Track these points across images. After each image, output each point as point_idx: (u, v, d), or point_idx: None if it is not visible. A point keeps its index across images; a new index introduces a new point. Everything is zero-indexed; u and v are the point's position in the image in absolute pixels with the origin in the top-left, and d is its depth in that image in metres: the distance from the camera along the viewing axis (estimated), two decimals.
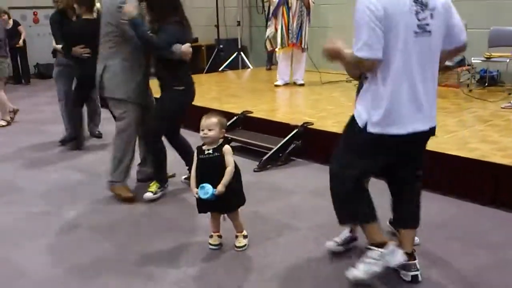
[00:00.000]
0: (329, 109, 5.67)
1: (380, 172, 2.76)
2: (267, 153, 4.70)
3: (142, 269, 2.87)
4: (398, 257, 2.54)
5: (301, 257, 2.96)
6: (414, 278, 2.63)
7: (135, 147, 4.00)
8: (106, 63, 3.78)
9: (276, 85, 7.33)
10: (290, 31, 7.09)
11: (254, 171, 4.56)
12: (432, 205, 3.58)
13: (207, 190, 2.79)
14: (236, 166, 2.95)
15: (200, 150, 2.97)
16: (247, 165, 4.70)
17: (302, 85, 7.25)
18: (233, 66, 9.60)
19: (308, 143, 4.80)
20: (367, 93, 2.47)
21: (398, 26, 2.29)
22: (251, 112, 5.50)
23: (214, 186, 2.81)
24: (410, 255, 2.64)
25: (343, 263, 2.86)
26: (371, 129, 2.44)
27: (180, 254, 3.04)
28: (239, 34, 9.80)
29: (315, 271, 2.81)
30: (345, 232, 3.03)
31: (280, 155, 4.72)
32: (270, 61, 9.12)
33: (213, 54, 9.78)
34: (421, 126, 2.44)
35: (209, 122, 2.91)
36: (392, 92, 2.37)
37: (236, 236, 3.10)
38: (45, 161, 5.04)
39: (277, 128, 5.07)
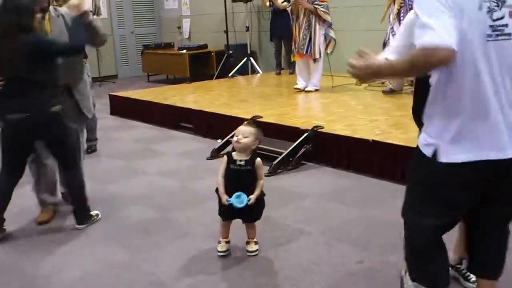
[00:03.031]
0: (339, 112, 5.64)
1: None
2: (278, 157, 4.69)
3: (153, 276, 2.87)
4: None
5: (312, 261, 2.94)
6: None
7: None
8: None
9: (295, 88, 7.23)
10: (296, 43, 7.06)
11: (265, 175, 4.52)
12: None
13: (243, 200, 2.82)
14: None
15: (231, 158, 2.93)
16: None
17: (311, 91, 7.15)
18: (243, 71, 9.60)
19: (319, 147, 4.77)
20: (433, 112, 1.94)
21: (465, 26, 1.77)
22: (261, 117, 5.49)
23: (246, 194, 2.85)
24: None
25: (356, 267, 2.83)
26: (442, 158, 1.90)
27: (191, 260, 3.04)
28: (248, 39, 9.81)
29: (327, 275, 2.78)
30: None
31: (291, 159, 4.71)
32: (280, 66, 9.11)
33: (223, 60, 9.80)
34: (498, 152, 1.87)
35: (246, 129, 2.93)
36: (461, 109, 1.85)
37: (248, 242, 3.08)
38: None
39: (287, 132, 5.05)
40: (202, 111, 6.24)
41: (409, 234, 2.14)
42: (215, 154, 5.21)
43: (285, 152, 4.68)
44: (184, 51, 10.31)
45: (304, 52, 6.96)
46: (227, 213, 2.96)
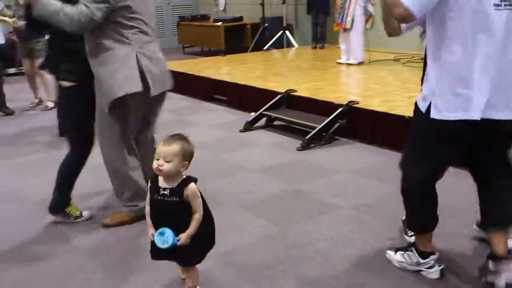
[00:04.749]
0: (375, 88, 5.53)
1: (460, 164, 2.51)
2: (311, 132, 4.65)
3: None
4: (432, 274, 2.47)
5: (343, 236, 2.93)
6: (509, 286, 2.30)
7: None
8: None
9: (338, 62, 7.26)
10: (336, 11, 7.05)
11: (298, 149, 4.52)
12: None
13: (167, 239, 2.14)
14: (205, 209, 2.27)
15: (154, 184, 2.22)
16: (291, 144, 4.68)
17: (353, 64, 7.09)
18: (278, 44, 9.51)
19: (353, 122, 4.71)
20: (431, 71, 2.20)
21: None
22: (295, 91, 5.44)
23: (175, 233, 2.16)
24: (503, 259, 2.34)
25: (388, 244, 2.80)
26: (434, 115, 2.17)
27: (222, 230, 3.04)
28: (285, 12, 9.69)
29: (359, 250, 2.77)
30: None
31: (324, 134, 4.66)
32: (316, 40, 8.98)
33: (258, 33, 9.72)
34: (494, 113, 2.12)
35: (168, 150, 2.13)
36: (459, 71, 2.10)
37: None
38: None
39: (322, 107, 5.00)
40: (236, 84, 6.23)
41: (403, 184, 2.43)
42: (248, 126, 5.21)
43: (319, 127, 4.64)
44: (220, 23, 10.27)
45: (339, 21, 6.95)
46: (155, 252, 2.26)
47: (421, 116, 2.24)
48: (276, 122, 5.30)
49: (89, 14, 2.72)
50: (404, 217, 2.75)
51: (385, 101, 4.83)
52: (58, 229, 3.15)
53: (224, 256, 2.76)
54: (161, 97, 3.17)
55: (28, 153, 4.72)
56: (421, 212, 2.45)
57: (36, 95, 6.74)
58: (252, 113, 5.45)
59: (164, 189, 2.17)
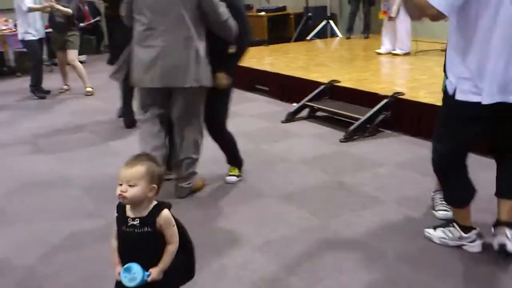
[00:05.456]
0: (422, 79, 5.39)
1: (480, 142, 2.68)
2: (354, 123, 4.59)
3: (227, 234, 2.93)
4: (475, 248, 2.59)
5: (385, 229, 2.89)
6: (501, 247, 2.52)
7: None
8: (197, 45, 3.11)
9: (377, 52, 7.15)
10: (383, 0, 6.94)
11: (341, 141, 4.47)
12: None
13: (135, 276, 1.81)
14: (184, 235, 1.97)
15: (121, 214, 1.90)
16: (333, 135, 4.63)
17: (398, 55, 6.94)
18: (322, 34, 9.40)
19: (398, 114, 4.61)
20: (455, 58, 2.40)
21: None
22: (339, 82, 5.37)
23: (145, 267, 1.83)
24: (502, 224, 2.55)
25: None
26: (459, 96, 2.35)
27: (263, 220, 3.07)
28: (328, 1, 9.56)
29: (402, 244, 2.72)
30: None
31: (368, 125, 4.59)
32: (351, 31, 8.81)
33: (302, 23, 9.63)
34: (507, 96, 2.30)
35: (131, 173, 1.83)
36: (479, 59, 2.28)
37: None
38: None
39: (366, 98, 4.92)
40: (278, 74, 6.21)
41: (432, 160, 2.58)
42: (290, 117, 5.19)
43: (362, 118, 4.57)
44: (263, 13, 10.24)
45: (386, 9, 6.83)
46: None
47: (448, 98, 2.42)
48: (319, 113, 5.26)
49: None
50: (432, 193, 3.06)
51: (431, 93, 4.70)
52: (102, 215, 3.24)
53: (265, 247, 2.77)
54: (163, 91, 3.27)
55: (75, 140, 4.86)
56: (453, 187, 2.57)
57: (65, 82, 7.23)
58: (294, 104, 5.42)
59: (133, 219, 1.86)
